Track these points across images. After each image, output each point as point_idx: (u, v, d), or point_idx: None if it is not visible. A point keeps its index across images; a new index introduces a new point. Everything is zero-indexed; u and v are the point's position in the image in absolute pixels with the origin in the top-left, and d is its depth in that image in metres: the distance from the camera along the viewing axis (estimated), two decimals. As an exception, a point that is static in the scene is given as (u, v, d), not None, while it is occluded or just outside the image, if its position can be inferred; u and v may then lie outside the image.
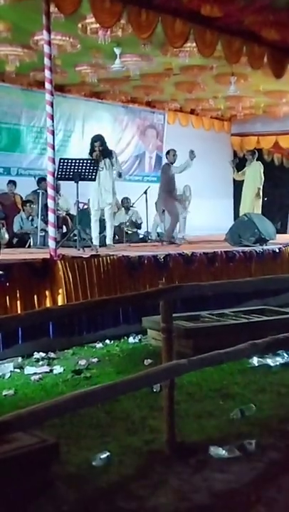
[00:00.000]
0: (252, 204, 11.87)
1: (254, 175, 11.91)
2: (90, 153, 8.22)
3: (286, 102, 12.35)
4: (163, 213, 9.89)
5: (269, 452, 3.35)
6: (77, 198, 7.88)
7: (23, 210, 9.75)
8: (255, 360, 5.21)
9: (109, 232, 8.51)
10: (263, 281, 5.03)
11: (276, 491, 2.89)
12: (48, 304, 6.01)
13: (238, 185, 15.17)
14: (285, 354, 5.41)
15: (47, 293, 6.08)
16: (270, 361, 5.25)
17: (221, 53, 7.86)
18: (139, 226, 11.17)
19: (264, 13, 7.27)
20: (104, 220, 8.51)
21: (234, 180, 15.26)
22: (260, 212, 11.76)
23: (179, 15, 7.08)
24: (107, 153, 8.27)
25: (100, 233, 8.45)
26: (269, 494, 2.85)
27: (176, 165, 9.82)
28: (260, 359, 5.23)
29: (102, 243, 8.35)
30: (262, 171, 11.95)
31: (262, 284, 5.17)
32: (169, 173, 9.83)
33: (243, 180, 12.23)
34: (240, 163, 12.73)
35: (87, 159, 7.94)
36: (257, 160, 12.09)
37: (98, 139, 8.32)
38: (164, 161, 10.63)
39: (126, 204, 11.11)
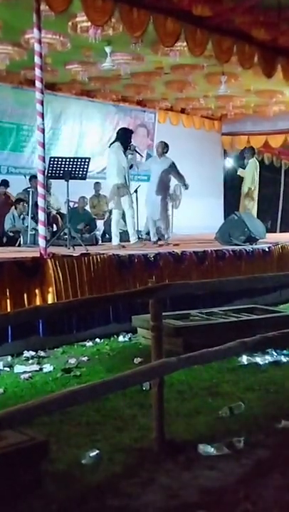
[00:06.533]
0: (244, 205, 11.78)
1: (248, 174, 11.83)
2: (126, 146, 8.07)
3: (276, 102, 12.38)
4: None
5: (257, 450, 3.37)
6: (68, 196, 7.87)
7: (15, 208, 9.71)
8: (244, 359, 5.24)
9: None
10: (251, 280, 5.07)
11: (264, 488, 2.91)
12: (38, 303, 6.00)
13: (228, 184, 15.25)
14: (274, 352, 5.46)
15: (37, 291, 6.08)
16: (259, 359, 5.29)
17: (211, 53, 7.87)
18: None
19: (254, 13, 7.31)
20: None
21: (225, 179, 15.35)
22: (255, 215, 11.69)
23: (170, 14, 7.08)
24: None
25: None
26: (257, 491, 2.87)
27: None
28: (249, 357, 5.26)
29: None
30: (256, 170, 11.81)
31: (251, 282, 5.21)
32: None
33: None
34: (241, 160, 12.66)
35: (77, 158, 7.89)
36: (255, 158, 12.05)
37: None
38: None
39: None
